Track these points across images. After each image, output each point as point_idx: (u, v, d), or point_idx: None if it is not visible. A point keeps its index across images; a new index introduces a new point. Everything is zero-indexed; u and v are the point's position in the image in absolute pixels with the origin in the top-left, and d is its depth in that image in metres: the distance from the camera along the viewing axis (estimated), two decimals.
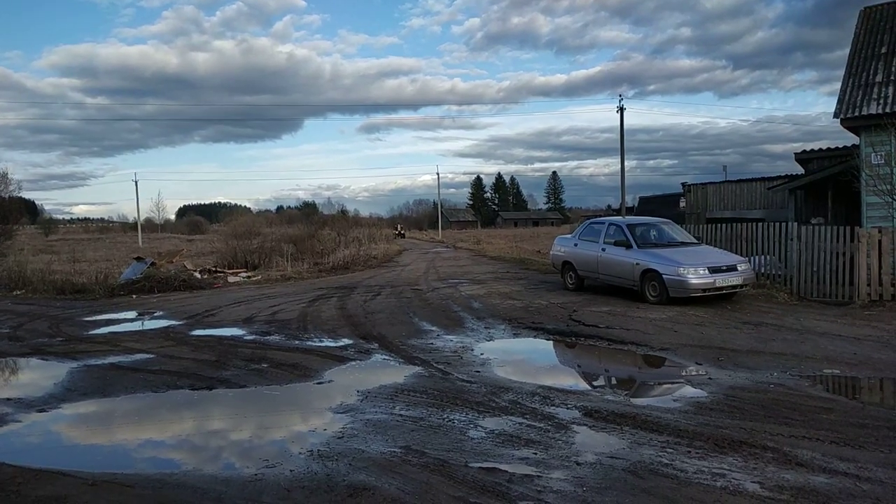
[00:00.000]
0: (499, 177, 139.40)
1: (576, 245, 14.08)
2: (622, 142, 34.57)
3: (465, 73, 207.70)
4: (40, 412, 6.17)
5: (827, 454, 4.40)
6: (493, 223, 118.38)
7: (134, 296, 16.49)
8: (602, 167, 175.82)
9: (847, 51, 14.44)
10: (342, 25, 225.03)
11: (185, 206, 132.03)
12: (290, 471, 4.36)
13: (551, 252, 15.63)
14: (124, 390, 6.87)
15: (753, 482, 3.96)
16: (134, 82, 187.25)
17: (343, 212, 77.40)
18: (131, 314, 13.29)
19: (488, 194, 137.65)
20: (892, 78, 13.08)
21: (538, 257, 24.71)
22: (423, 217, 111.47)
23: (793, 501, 3.68)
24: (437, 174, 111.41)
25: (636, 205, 38.00)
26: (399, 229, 67.09)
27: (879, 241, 10.99)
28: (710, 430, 4.95)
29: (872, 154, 12.72)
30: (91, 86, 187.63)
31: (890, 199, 11.90)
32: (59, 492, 4.17)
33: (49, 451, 5.26)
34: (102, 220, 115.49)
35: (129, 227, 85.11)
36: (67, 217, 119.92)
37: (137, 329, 11.36)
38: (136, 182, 71.22)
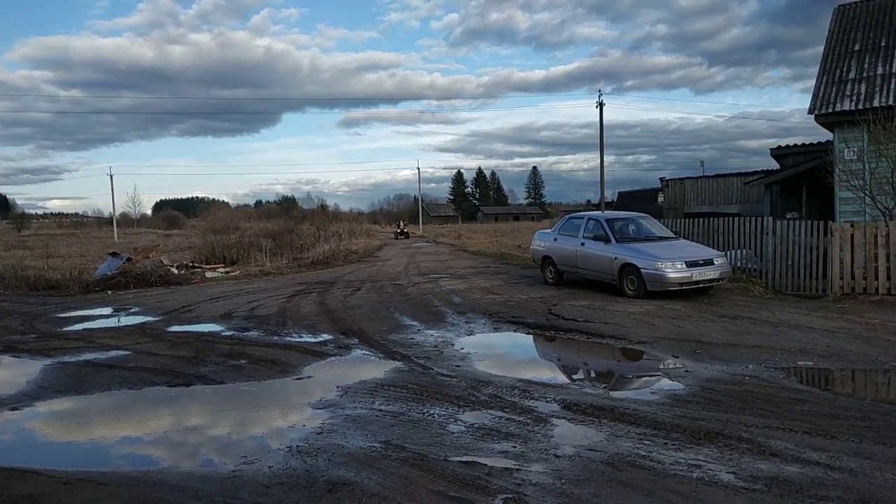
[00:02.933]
0: (479, 171, 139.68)
1: (555, 240, 14.15)
2: (601, 137, 34.83)
3: (444, 68, 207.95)
4: (13, 410, 6.05)
5: (800, 444, 4.48)
6: (474, 218, 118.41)
7: (109, 292, 16.24)
8: (581, 162, 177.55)
9: (819, 48, 14.68)
10: (320, 19, 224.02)
11: (161, 200, 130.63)
12: (269, 467, 4.34)
13: (531, 247, 15.71)
14: (99, 388, 6.77)
15: (728, 473, 4.02)
16: (109, 75, 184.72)
17: (323, 206, 76.64)
18: (107, 310, 13.08)
19: (469, 189, 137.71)
20: (865, 75, 13.32)
21: (518, 252, 24.81)
22: (404, 212, 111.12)
23: (766, 491, 3.74)
24: (418, 168, 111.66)
25: (615, 200, 38.29)
26: (401, 227, 51.99)
27: (852, 236, 11.19)
28: (686, 422, 5.01)
29: (845, 150, 12.95)
30: (65, 78, 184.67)
31: (862, 195, 12.13)
32: (31, 491, 4.10)
33: (22, 449, 5.17)
34: (77, 214, 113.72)
35: (104, 222, 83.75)
36: (40, 212, 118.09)
37: (113, 325, 11.19)
38: (111, 176, 70.61)
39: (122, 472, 4.42)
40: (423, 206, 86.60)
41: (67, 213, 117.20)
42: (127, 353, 8.39)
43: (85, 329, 10.68)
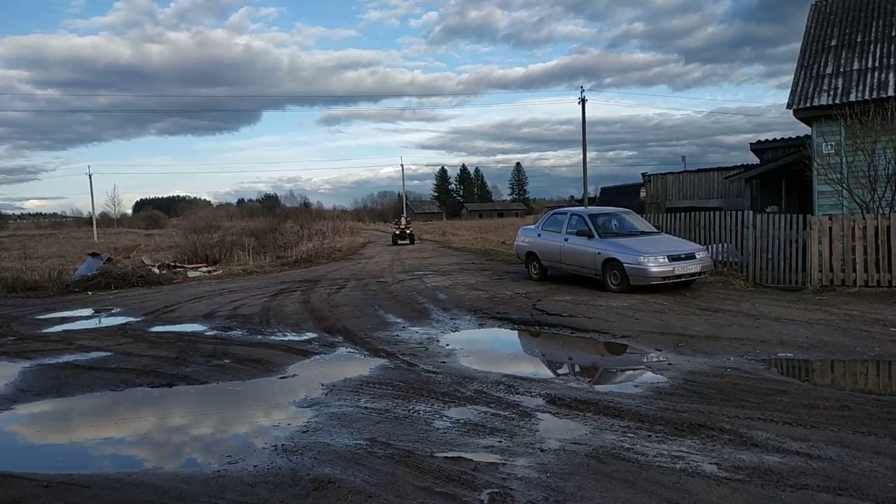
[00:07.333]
0: (463, 168, 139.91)
1: (539, 236, 14.21)
2: (584, 133, 34.97)
3: (424, 66, 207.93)
4: None
5: (780, 434, 4.54)
6: (459, 215, 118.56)
7: (90, 292, 16.04)
8: (563, 159, 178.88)
9: (793, 45, 15.02)
10: (299, 18, 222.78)
11: (142, 199, 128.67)
12: (254, 466, 4.31)
13: (515, 243, 15.75)
14: (80, 389, 6.68)
15: (711, 463, 4.06)
16: (86, 74, 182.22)
17: (306, 204, 76.34)
18: (87, 311, 12.92)
19: (453, 186, 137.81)
20: (842, 70, 13.50)
21: (503, 248, 24.87)
22: (388, 209, 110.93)
23: (748, 481, 3.79)
24: (402, 165, 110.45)
25: (598, 195, 38.49)
26: (403, 226, 38.15)
27: (830, 229, 11.36)
28: (669, 415, 5.06)
29: (823, 144, 13.12)
30: (41, 77, 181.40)
31: (840, 188, 12.31)
32: (11, 495, 4.04)
33: (1, 453, 5.09)
34: (55, 215, 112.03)
35: (83, 222, 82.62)
36: (18, 212, 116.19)
37: (93, 326, 11.05)
38: (90, 176, 69.18)
39: (105, 474, 4.37)
40: (407, 204, 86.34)
41: (45, 214, 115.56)
42: (108, 354, 8.29)
43: (65, 330, 10.53)
